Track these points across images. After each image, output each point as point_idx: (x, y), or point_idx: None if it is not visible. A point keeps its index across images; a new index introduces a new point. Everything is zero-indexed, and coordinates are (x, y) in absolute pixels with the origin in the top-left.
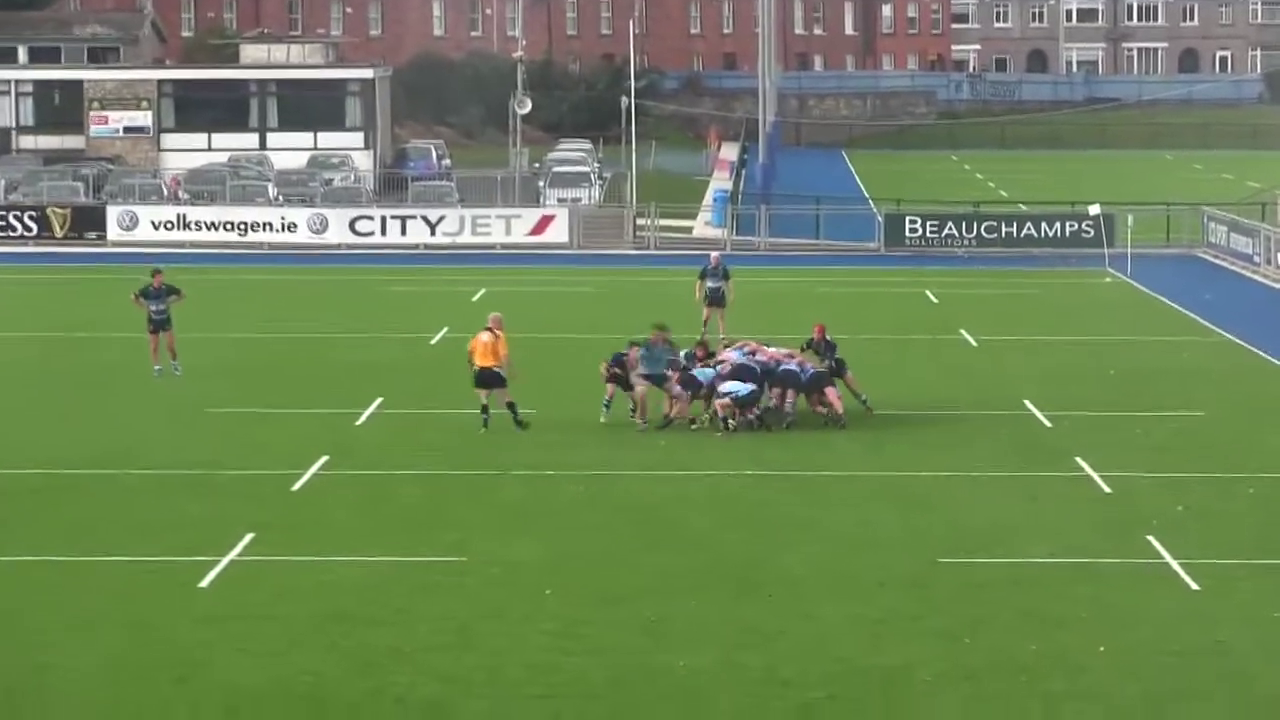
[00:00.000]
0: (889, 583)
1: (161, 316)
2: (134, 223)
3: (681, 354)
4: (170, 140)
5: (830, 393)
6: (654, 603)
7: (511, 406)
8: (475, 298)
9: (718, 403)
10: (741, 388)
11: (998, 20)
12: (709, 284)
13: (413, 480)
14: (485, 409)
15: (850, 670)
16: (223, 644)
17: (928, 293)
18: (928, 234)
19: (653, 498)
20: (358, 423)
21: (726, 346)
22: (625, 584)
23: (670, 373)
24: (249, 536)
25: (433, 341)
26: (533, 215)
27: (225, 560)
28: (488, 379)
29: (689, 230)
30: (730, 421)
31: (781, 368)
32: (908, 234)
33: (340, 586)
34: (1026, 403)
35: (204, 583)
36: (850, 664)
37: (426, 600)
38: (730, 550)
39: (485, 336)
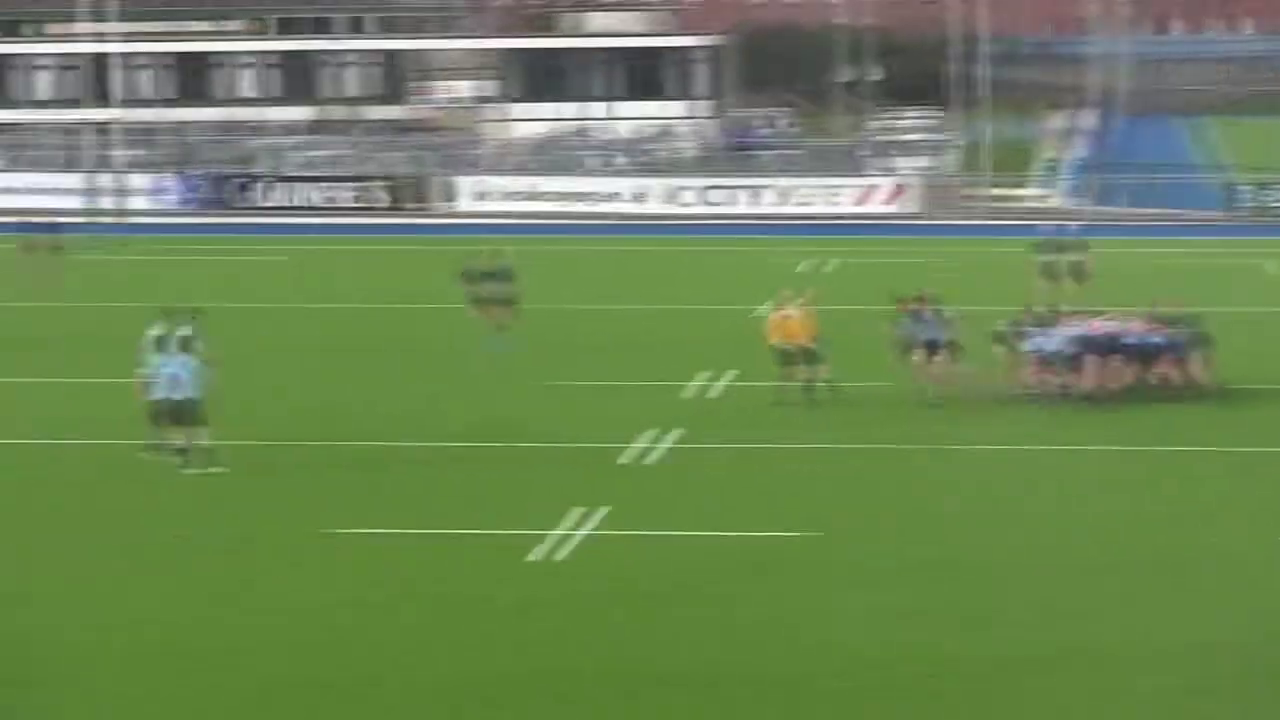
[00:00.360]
0: None
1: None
2: (468, 194)
3: (1016, 322)
4: (515, 110)
5: (1173, 361)
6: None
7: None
8: (825, 268)
9: (1036, 373)
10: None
11: None
12: (1053, 256)
13: (770, 454)
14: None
15: None
16: (549, 618)
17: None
18: None
19: (1007, 473)
20: (710, 395)
21: (1069, 316)
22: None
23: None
24: (581, 510)
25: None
26: (875, 184)
27: (556, 533)
28: (797, 356)
29: (1028, 199)
30: (1056, 390)
31: (1130, 339)
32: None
33: (687, 562)
34: None
35: (533, 556)
36: None
37: (778, 577)
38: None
39: (793, 312)
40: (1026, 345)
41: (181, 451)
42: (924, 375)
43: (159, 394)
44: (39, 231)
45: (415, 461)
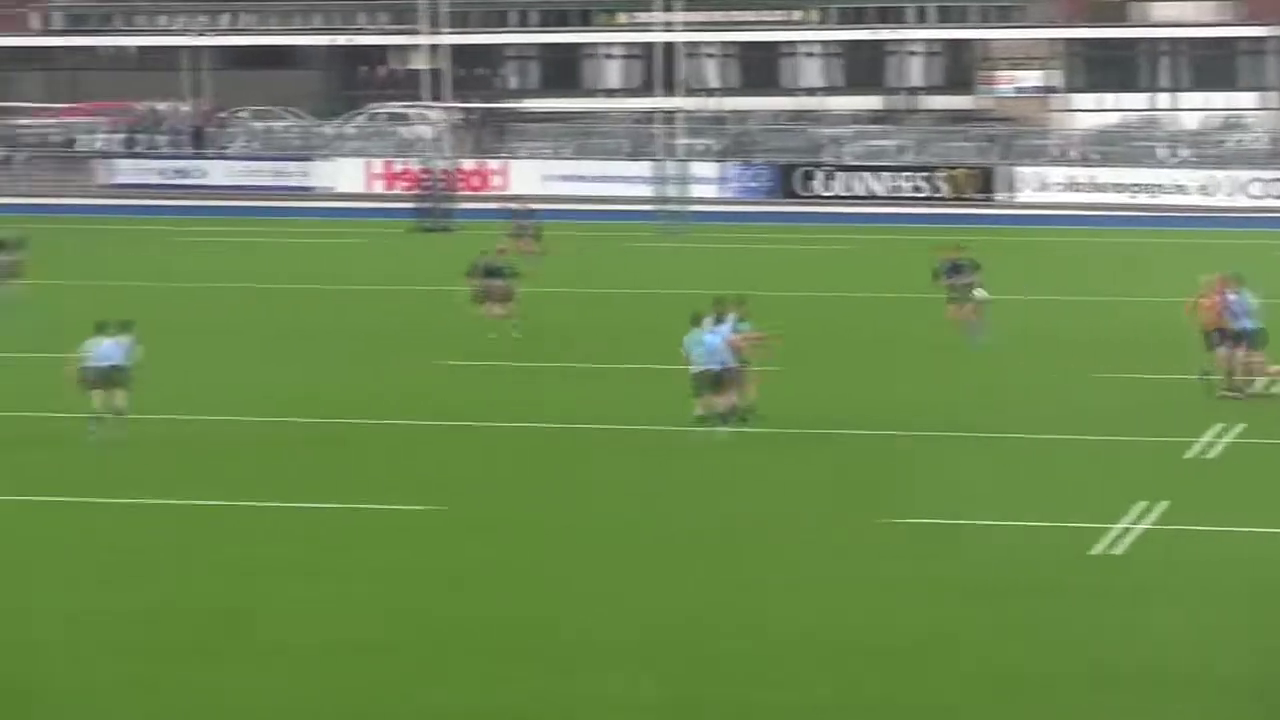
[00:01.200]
0: None
1: None
2: (1031, 185)
3: None
4: (1068, 100)
5: None
6: None
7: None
8: None
9: None
10: None
11: None
12: None
13: None
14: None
15: None
16: (1113, 612)
17: None
18: None
19: None
20: (1275, 389)
21: None
22: None
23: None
24: (1144, 504)
25: None
26: None
27: (1119, 527)
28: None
29: None
30: None
31: None
32: None
33: (1259, 560)
34: None
35: (1096, 550)
36: None
37: None
38: None
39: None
40: None
41: (721, 418)
42: None
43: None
44: (525, 218)
45: (985, 451)
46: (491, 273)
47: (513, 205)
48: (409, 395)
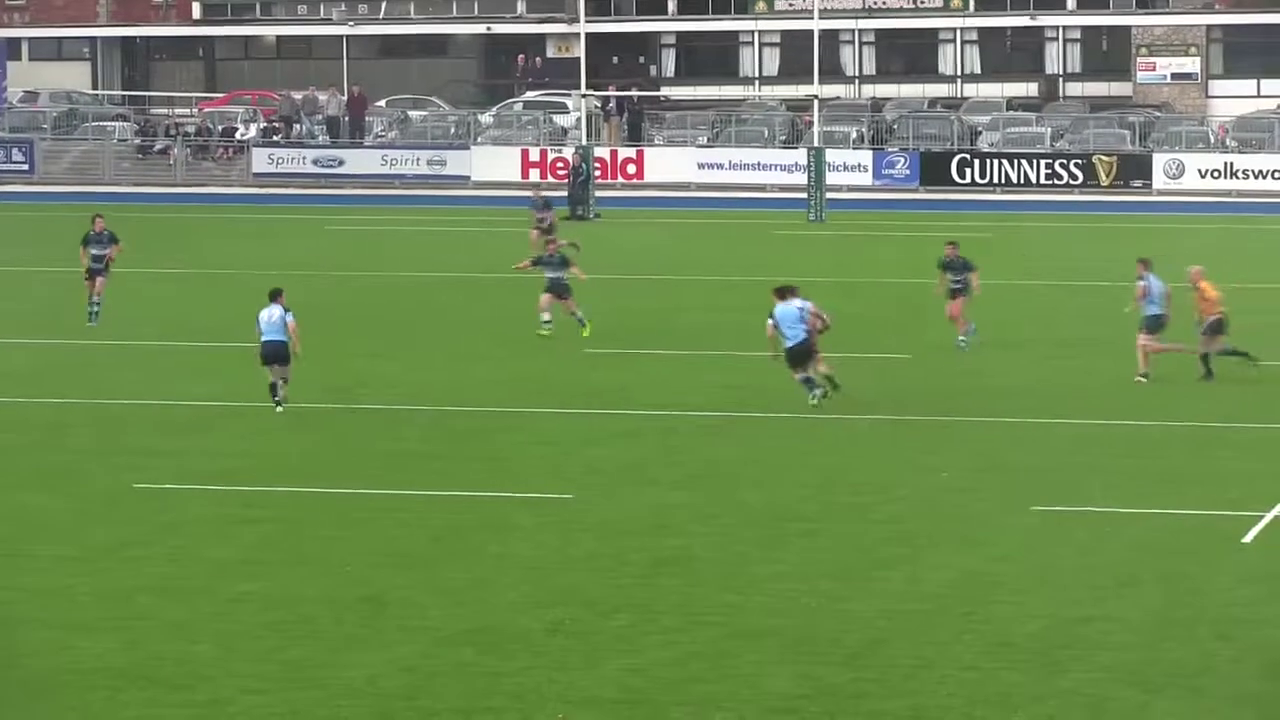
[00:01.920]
0: None
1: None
2: (1180, 171)
3: None
4: (1218, 86)
5: None
6: None
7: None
8: None
9: None
10: None
11: None
12: None
13: None
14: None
15: None
16: (1267, 602)
17: None
18: None
19: None
20: None
21: None
22: None
23: None
24: None
25: None
26: None
27: (1270, 516)
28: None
29: None
30: None
31: None
32: None
33: None
34: None
35: (1247, 538)
36: None
37: None
38: None
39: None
40: None
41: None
42: None
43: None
44: (542, 209)
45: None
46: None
47: (532, 195)
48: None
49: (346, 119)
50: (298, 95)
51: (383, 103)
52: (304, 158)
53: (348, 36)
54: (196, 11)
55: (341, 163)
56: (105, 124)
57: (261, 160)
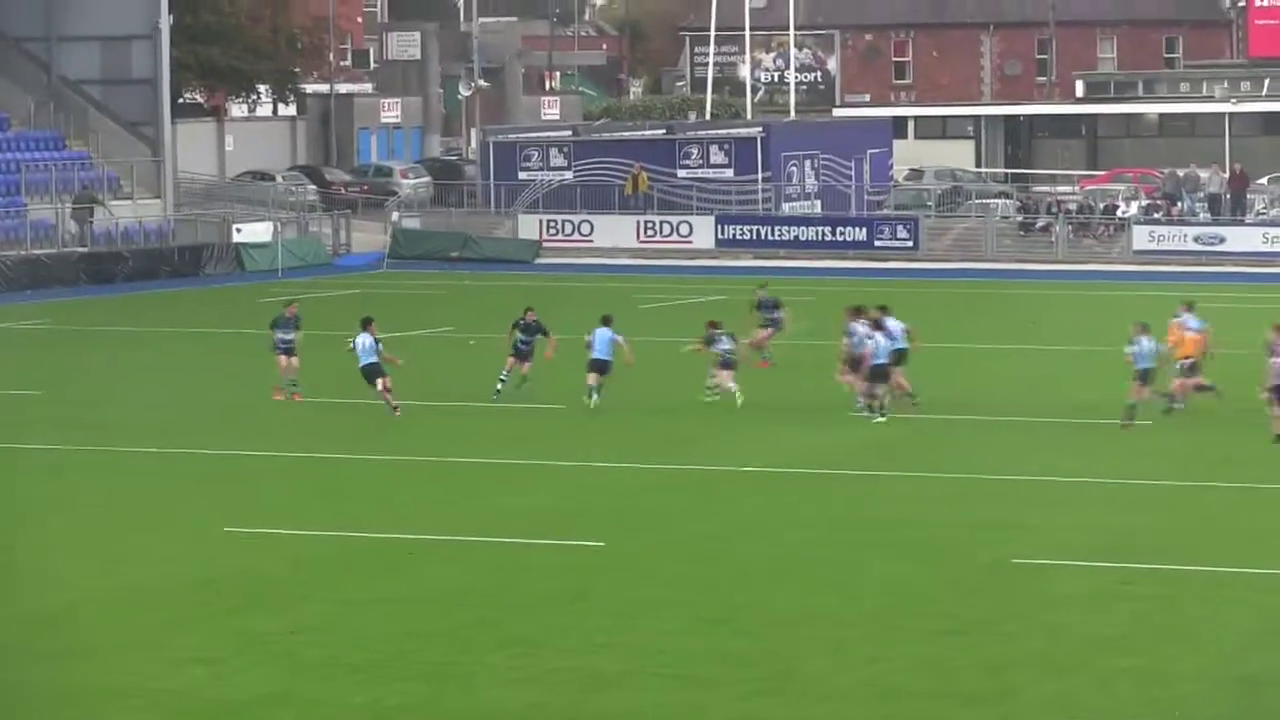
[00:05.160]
0: None
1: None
2: None
3: None
4: None
5: None
6: None
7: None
8: None
9: None
10: None
11: None
12: None
13: None
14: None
15: None
16: None
17: None
18: None
19: None
20: None
21: None
22: None
23: None
24: None
25: None
26: None
27: None
28: None
29: None
30: None
31: None
32: None
33: None
34: None
35: None
36: None
37: None
38: None
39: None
40: None
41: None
42: None
43: None
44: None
45: None
46: None
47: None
48: None
49: (1228, 196)
50: (1180, 172)
51: (1264, 180)
52: (1185, 235)
53: (1230, 114)
54: (1079, 90)
55: (1222, 240)
56: (988, 201)
57: (1142, 237)
